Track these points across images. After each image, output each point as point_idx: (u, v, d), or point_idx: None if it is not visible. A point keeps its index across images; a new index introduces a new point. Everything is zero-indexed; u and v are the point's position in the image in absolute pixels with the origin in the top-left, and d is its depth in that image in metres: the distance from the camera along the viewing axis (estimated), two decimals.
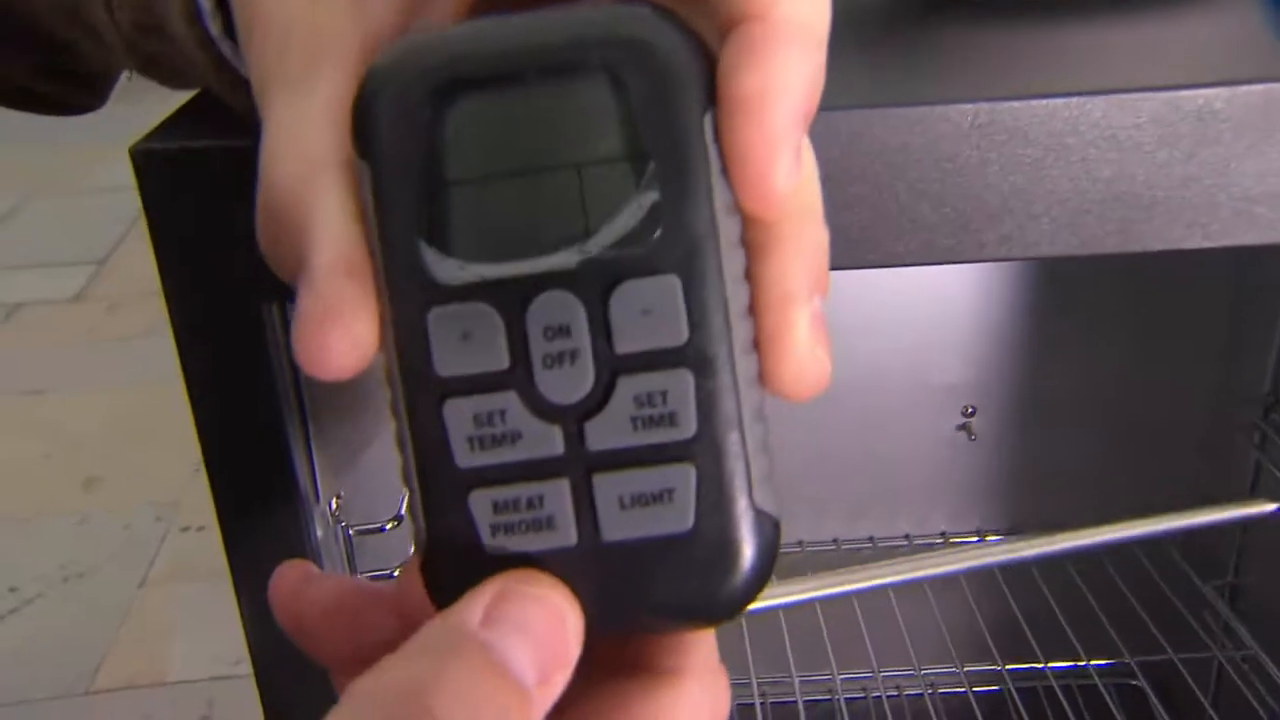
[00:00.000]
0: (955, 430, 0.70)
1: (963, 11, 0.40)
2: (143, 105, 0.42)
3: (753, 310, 0.20)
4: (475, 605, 0.18)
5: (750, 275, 0.20)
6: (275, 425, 0.32)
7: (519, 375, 0.19)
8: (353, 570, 0.37)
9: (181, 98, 0.34)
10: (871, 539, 0.73)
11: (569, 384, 0.19)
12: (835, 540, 0.72)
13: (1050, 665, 0.66)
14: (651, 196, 0.19)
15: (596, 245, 0.19)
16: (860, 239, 0.30)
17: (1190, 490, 0.70)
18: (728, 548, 0.19)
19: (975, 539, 0.72)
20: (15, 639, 1.25)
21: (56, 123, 0.43)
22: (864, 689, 0.70)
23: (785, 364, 0.19)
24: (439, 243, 0.19)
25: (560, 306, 0.19)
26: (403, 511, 0.40)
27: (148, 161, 0.29)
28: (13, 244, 2.21)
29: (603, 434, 0.19)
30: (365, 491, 0.40)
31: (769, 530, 0.20)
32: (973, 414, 0.69)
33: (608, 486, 0.19)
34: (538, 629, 0.18)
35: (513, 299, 0.19)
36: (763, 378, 0.20)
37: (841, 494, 0.72)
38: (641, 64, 0.19)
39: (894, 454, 0.70)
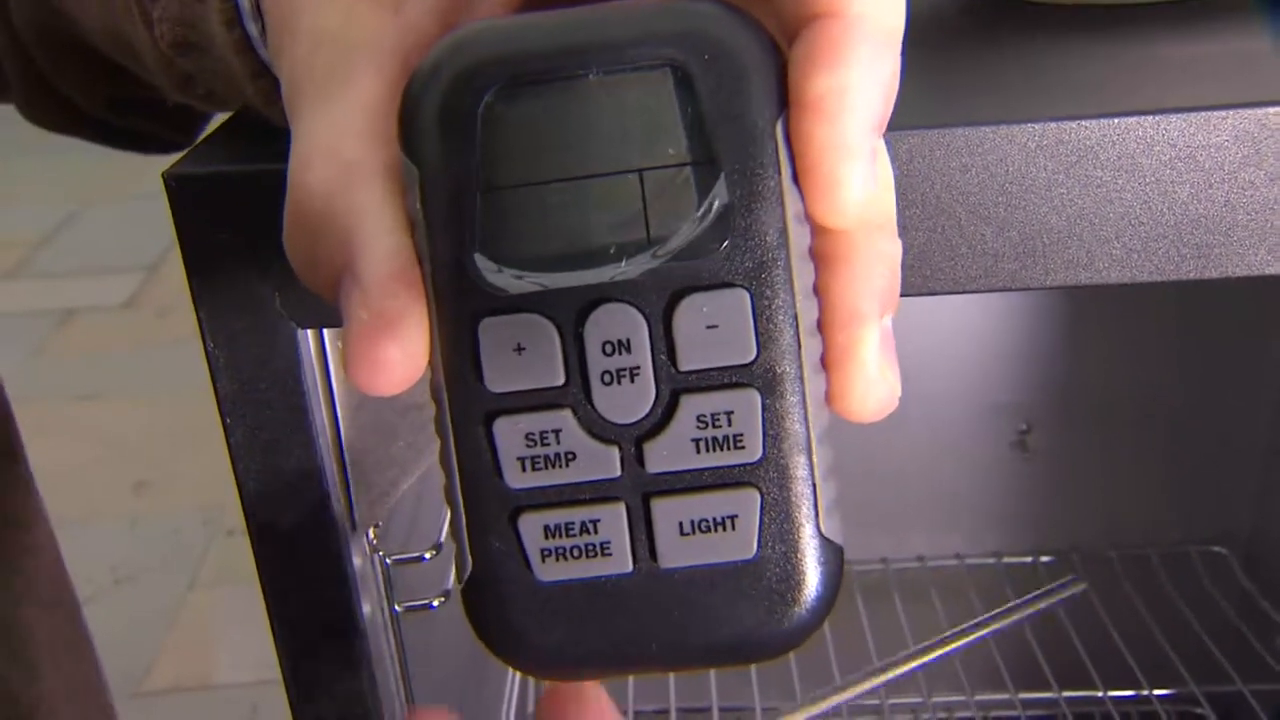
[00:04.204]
0: (1009, 449, 0.68)
1: (1027, 23, 0.38)
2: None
3: (821, 327, 0.18)
4: None
5: (819, 289, 0.18)
6: (310, 454, 0.32)
7: (575, 392, 0.18)
8: (391, 602, 0.36)
9: (219, 117, 0.34)
10: (921, 558, 0.71)
11: (628, 403, 0.18)
12: (883, 559, 0.71)
13: (1110, 694, 0.64)
14: (720, 204, 0.17)
15: (660, 255, 0.18)
16: (918, 264, 0.29)
17: (1245, 510, 0.67)
18: (792, 578, 0.18)
19: (1029, 559, 0.70)
20: None
21: None
22: (914, 714, 0.68)
23: (853, 385, 0.18)
24: (491, 250, 0.18)
25: (621, 320, 0.18)
26: (442, 539, 0.39)
27: (181, 187, 0.29)
28: (68, 252, 2.26)
29: (663, 456, 0.18)
30: (404, 520, 0.39)
31: (834, 560, 0.19)
32: (1027, 432, 0.67)
33: (667, 511, 0.18)
34: None
35: (570, 311, 0.18)
36: (828, 398, 0.18)
37: (891, 513, 0.70)
38: (711, 62, 0.17)
39: (946, 472, 0.68)
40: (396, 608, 0.36)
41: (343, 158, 0.19)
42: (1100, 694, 0.64)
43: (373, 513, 0.35)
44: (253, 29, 0.26)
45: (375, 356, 0.18)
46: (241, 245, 0.29)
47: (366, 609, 0.34)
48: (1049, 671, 0.65)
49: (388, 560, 0.36)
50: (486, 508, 0.18)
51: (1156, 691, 0.64)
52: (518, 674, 0.62)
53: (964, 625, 0.59)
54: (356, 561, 0.34)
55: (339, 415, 0.32)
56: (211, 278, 0.30)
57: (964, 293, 0.29)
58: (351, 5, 0.20)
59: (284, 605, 0.34)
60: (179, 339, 1.83)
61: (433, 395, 0.19)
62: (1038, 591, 0.61)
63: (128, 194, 2.24)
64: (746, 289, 0.18)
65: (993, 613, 0.60)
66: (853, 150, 0.17)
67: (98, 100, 0.39)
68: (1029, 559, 0.70)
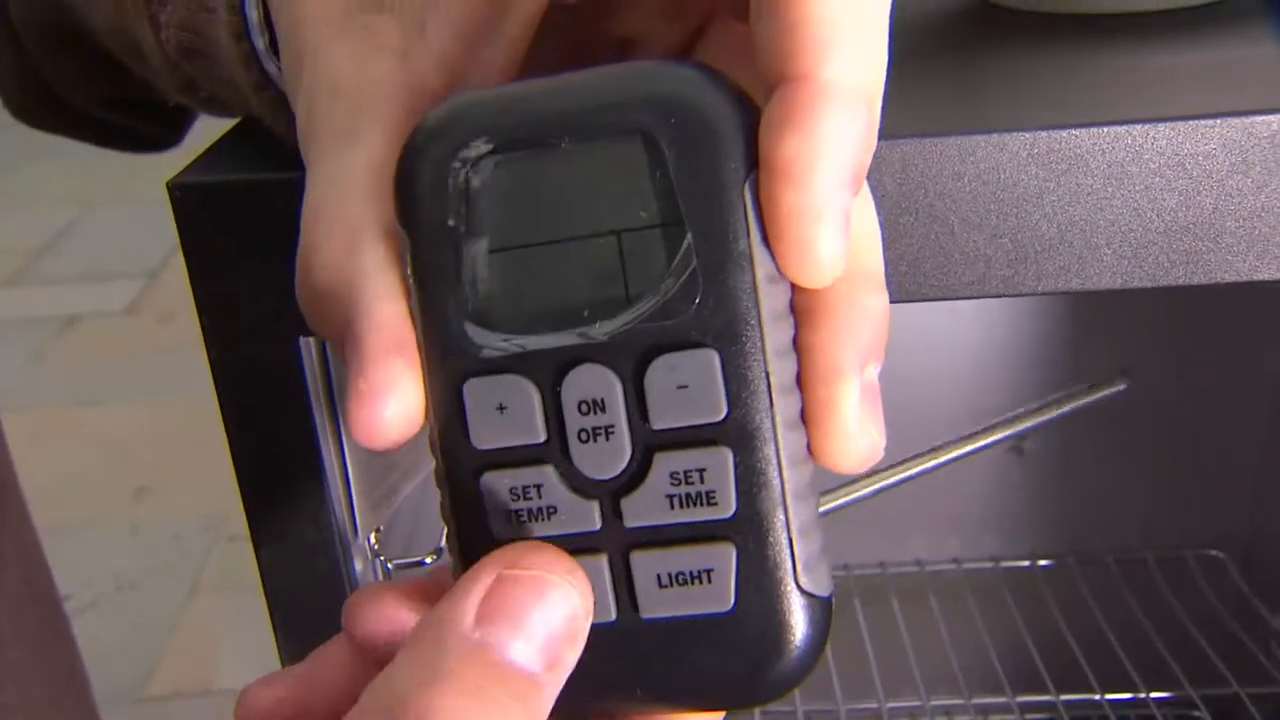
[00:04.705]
0: (1005, 454, 0.68)
1: (1018, 32, 0.39)
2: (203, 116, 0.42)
3: (800, 382, 0.19)
4: (468, 601, 0.18)
5: (799, 344, 0.19)
6: (312, 459, 0.32)
7: (555, 449, 0.19)
8: None
9: (224, 123, 0.34)
10: (919, 562, 0.71)
11: (605, 460, 0.19)
12: (881, 563, 0.71)
13: (1107, 696, 0.64)
14: (689, 266, 0.18)
15: (632, 317, 0.18)
16: (911, 271, 0.29)
17: (1242, 514, 0.68)
18: (771, 631, 0.19)
19: (1027, 563, 0.70)
20: None
21: None
22: (912, 717, 0.68)
23: (832, 440, 0.18)
24: (474, 313, 0.19)
25: (596, 380, 0.18)
26: (443, 544, 0.39)
27: (185, 196, 0.29)
28: (69, 258, 2.27)
29: (639, 511, 0.19)
30: (405, 525, 0.39)
31: (816, 613, 0.19)
32: (1023, 437, 0.67)
33: (645, 564, 0.19)
34: (539, 616, 0.18)
35: (548, 371, 0.19)
36: (811, 451, 0.19)
37: (889, 516, 0.70)
38: (678, 125, 0.18)
39: (943, 478, 0.69)
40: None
41: (346, 221, 0.19)
42: (1098, 697, 0.64)
43: (374, 518, 0.35)
44: (259, 43, 0.26)
45: (371, 418, 0.18)
46: (245, 253, 0.30)
47: None
48: (1046, 674, 0.65)
49: (389, 565, 0.36)
50: (479, 558, 0.19)
51: (1153, 695, 0.64)
52: None
53: (1002, 417, 0.56)
54: (358, 566, 0.34)
55: (340, 421, 0.33)
56: (215, 285, 0.30)
57: (957, 298, 0.30)
58: (362, 51, 0.21)
59: (286, 610, 0.34)
60: (180, 345, 1.84)
61: (431, 450, 0.19)
62: (1080, 387, 0.58)
63: (128, 200, 2.25)
64: (715, 349, 0.18)
65: (1034, 405, 0.57)
66: (820, 213, 0.17)
67: (94, 99, 0.39)
68: (1026, 563, 0.70)
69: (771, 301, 0.18)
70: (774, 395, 0.18)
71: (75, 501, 1.50)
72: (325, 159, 0.20)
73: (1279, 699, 0.64)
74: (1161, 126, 0.28)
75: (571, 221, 0.18)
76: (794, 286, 0.18)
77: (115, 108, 0.40)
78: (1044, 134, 0.28)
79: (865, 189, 0.20)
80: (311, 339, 0.31)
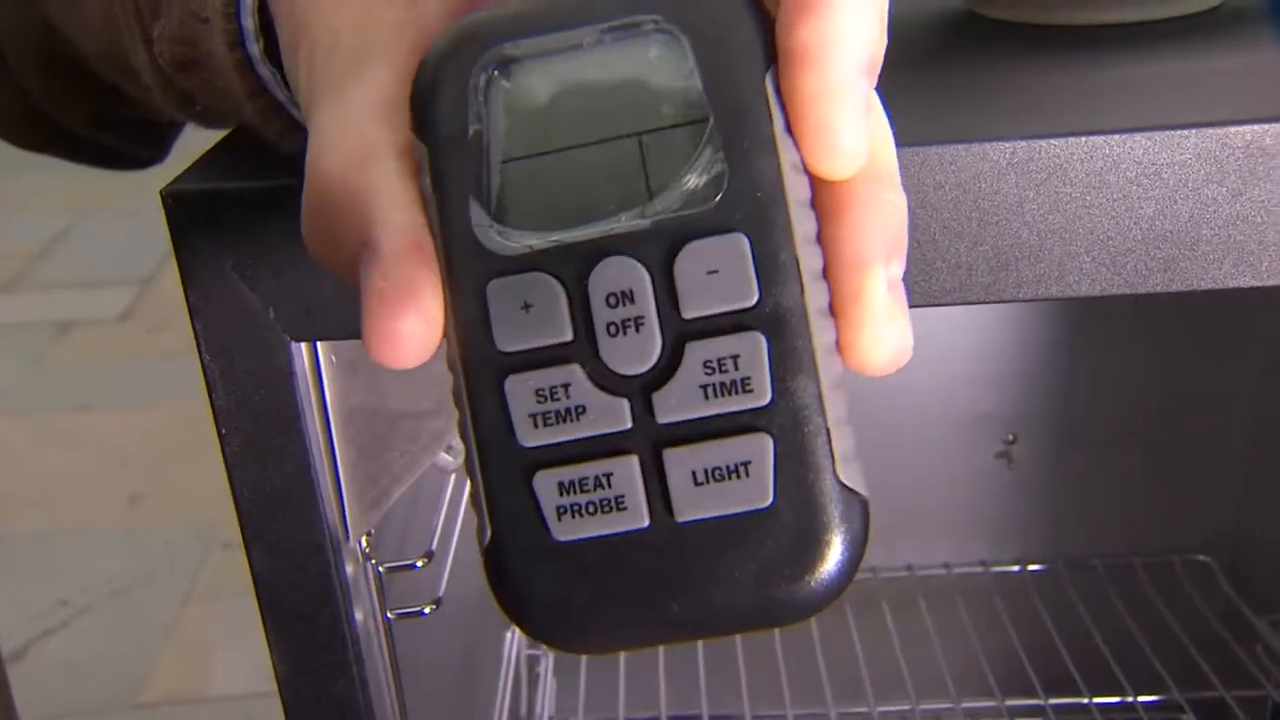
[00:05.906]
0: (994, 458, 0.68)
1: (999, 43, 0.39)
2: (189, 129, 0.42)
3: (827, 275, 0.18)
4: None
5: (823, 240, 0.18)
6: (304, 464, 0.32)
7: (582, 346, 0.18)
8: (383, 609, 0.37)
9: (215, 134, 0.35)
10: (909, 567, 0.71)
11: (634, 353, 0.18)
12: (872, 569, 0.71)
13: (1095, 700, 0.64)
14: (714, 157, 0.18)
15: (659, 208, 0.18)
16: None
17: (1228, 519, 0.68)
18: (813, 527, 0.18)
19: (1016, 568, 0.71)
20: (65, 652, 1.27)
21: None
22: None
23: (861, 331, 0.18)
24: (497, 214, 0.18)
25: (623, 271, 0.18)
26: (434, 547, 0.40)
27: (178, 203, 0.30)
28: (65, 264, 2.27)
29: (672, 405, 0.18)
30: (396, 528, 0.40)
31: (856, 509, 0.18)
32: (1014, 442, 0.68)
33: (679, 461, 0.18)
34: None
35: (573, 267, 0.18)
36: (840, 350, 0.18)
37: (879, 522, 0.70)
38: (696, 23, 0.18)
39: (933, 482, 0.69)
40: (389, 615, 0.37)
41: (359, 141, 0.19)
42: (1086, 700, 0.64)
43: (365, 521, 0.35)
44: (254, 50, 0.27)
45: (395, 327, 0.18)
46: (237, 260, 0.30)
47: (359, 616, 0.35)
48: (1035, 678, 0.66)
49: (380, 568, 0.36)
50: (502, 469, 0.18)
51: (1141, 698, 0.64)
52: (518, 665, 0.63)
53: None
54: (349, 569, 0.35)
55: (332, 425, 0.33)
56: (207, 292, 0.30)
57: (939, 305, 0.30)
58: (367, 5, 0.21)
59: (278, 613, 0.34)
60: (173, 352, 1.84)
61: (449, 367, 0.19)
62: None
63: (122, 208, 2.25)
64: (745, 233, 0.18)
65: None
66: (839, 95, 0.17)
67: (81, 118, 0.40)
68: (1015, 568, 0.71)
69: (796, 191, 0.18)
70: (804, 280, 0.18)
71: (69, 507, 1.50)
72: (330, 101, 0.20)
73: (1265, 702, 0.64)
74: (1139, 136, 0.28)
75: (596, 123, 0.18)
76: (814, 184, 0.18)
77: (102, 127, 0.40)
78: (1024, 143, 0.28)
79: (875, 97, 0.20)
80: (303, 344, 0.31)
